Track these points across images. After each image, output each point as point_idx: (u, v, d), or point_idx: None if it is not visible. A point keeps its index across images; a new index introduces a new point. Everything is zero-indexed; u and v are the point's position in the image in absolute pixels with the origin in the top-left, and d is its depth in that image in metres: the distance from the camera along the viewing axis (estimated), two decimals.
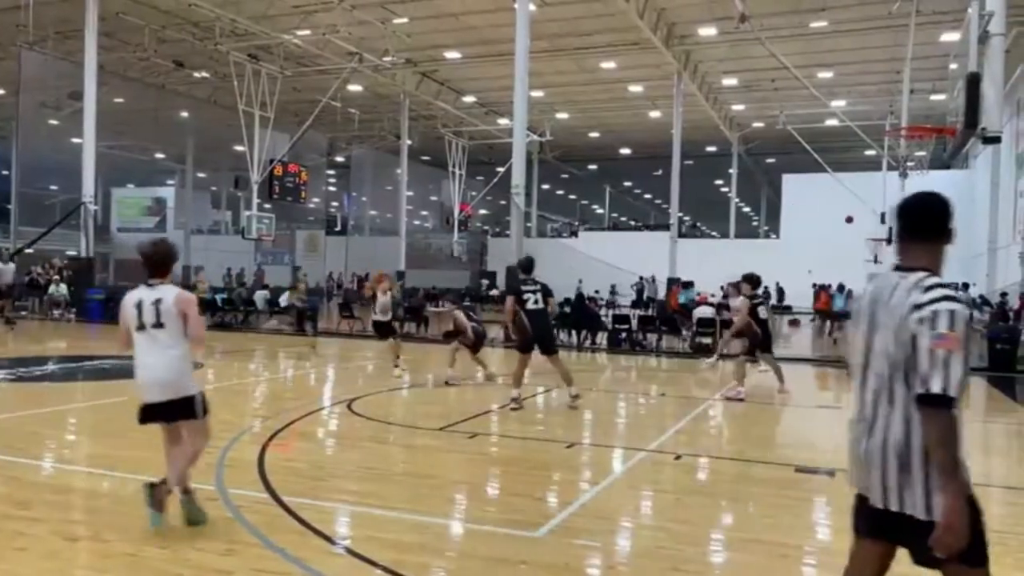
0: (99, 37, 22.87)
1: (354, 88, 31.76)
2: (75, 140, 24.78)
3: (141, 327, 4.55)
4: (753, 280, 10.96)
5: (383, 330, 12.68)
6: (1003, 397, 12.19)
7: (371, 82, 31.34)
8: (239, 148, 27.57)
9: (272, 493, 5.38)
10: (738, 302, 11.02)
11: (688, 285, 21.42)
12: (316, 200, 44.78)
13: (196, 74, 30.06)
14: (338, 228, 49.04)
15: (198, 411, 4.63)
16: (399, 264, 33.32)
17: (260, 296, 23.07)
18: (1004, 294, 21.77)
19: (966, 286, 27.82)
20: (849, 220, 32.58)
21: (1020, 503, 6.09)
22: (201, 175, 47.05)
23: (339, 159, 47.43)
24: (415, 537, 4.69)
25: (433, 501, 5.51)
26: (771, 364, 11.24)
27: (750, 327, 10.69)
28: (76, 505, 5.37)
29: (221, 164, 42.51)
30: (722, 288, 15.01)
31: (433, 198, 46.09)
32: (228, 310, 23.42)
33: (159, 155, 45.06)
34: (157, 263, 4.67)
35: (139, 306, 4.57)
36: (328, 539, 4.57)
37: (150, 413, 4.65)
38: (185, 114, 36.76)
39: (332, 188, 52.49)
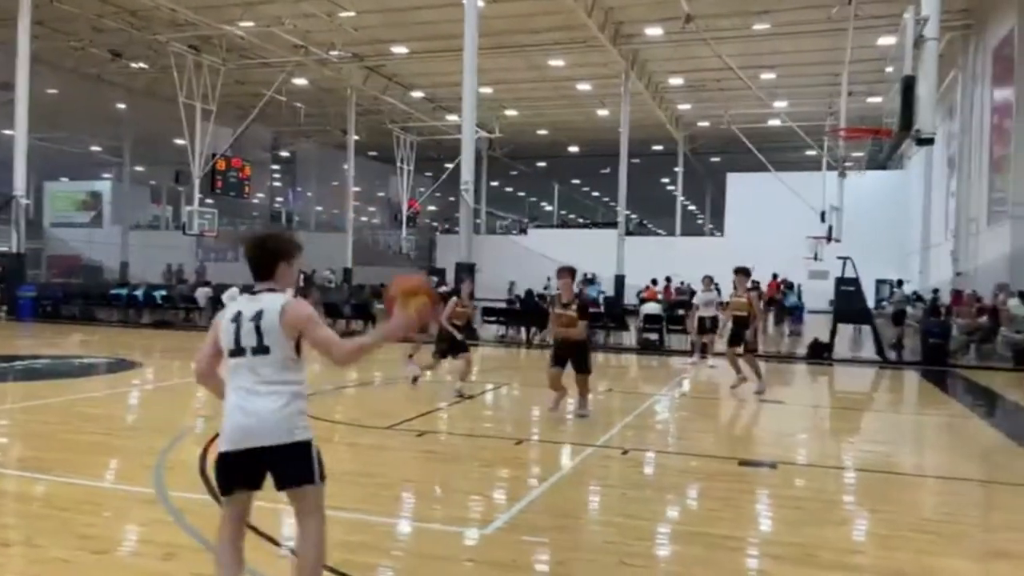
0: (32, 25, 22.02)
1: (299, 82, 31.25)
2: (6, 132, 23.83)
3: (237, 351, 3.19)
4: (749, 274, 10.94)
5: None
6: (935, 390, 12.63)
7: (317, 76, 30.89)
8: (180, 141, 26.90)
9: (214, 495, 5.25)
10: (753, 295, 10.83)
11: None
12: (260, 195, 44.05)
13: (134, 65, 29.19)
14: (283, 224, 48.26)
15: (315, 469, 3.25)
16: (346, 261, 32.94)
17: (202, 293, 22.56)
18: (936, 290, 22.53)
19: (900, 283, 28.71)
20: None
21: (952, 492, 6.31)
22: (139, 169, 45.76)
23: (284, 154, 46.69)
24: (361, 537, 4.63)
25: (380, 500, 5.46)
26: (733, 361, 11.17)
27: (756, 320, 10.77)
28: (7, 509, 5.17)
29: (161, 158, 41.41)
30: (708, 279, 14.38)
31: (381, 194, 45.70)
32: (168, 308, 22.93)
33: (95, 148, 43.66)
34: (258, 260, 3.28)
35: (237, 320, 3.20)
36: (273, 541, 4.48)
37: (235, 468, 3.21)
38: (122, 106, 35.68)
39: (277, 183, 51.62)
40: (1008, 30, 20.16)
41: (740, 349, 10.87)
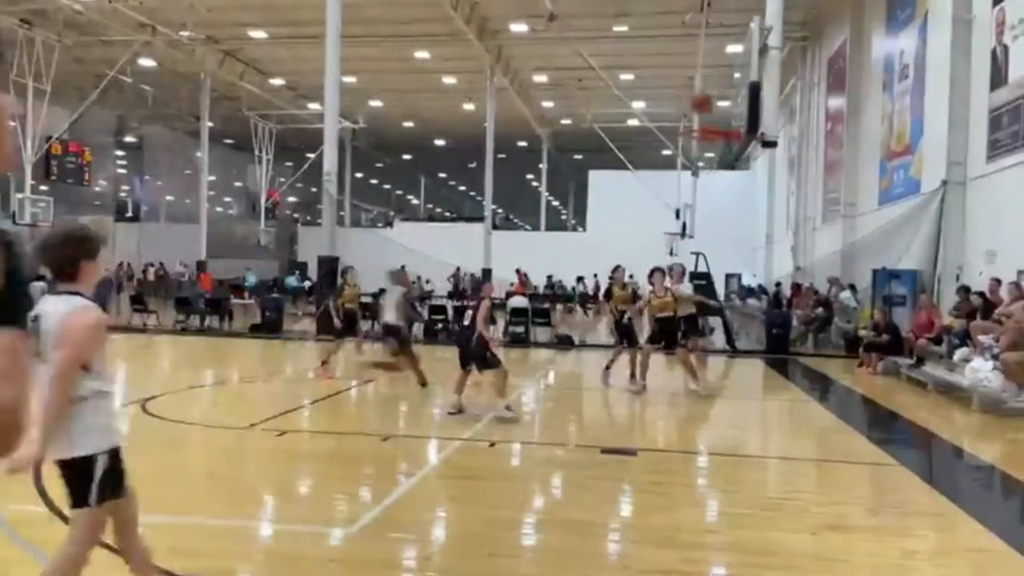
0: None
1: (147, 63, 29.33)
2: None
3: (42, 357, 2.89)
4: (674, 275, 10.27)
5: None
6: (778, 376, 13.54)
7: (167, 58, 29.09)
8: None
9: (52, 507, 4.85)
10: (680, 290, 10.15)
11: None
12: (104, 183, 41.11)
13: None
14: (130, 214, 45.31)
15: (92, 491, 2.91)
16: (200, 253, 31.33)
17: (36, 289, 20.75)
18: (779, 283, 24.11)
19: (739, 276, 30.49)
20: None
21: (793, 471, 6.79)
22: None
23: (131, 139, 43.73)
24: (218, 543, 4.42)
25: (238, 503, 5.23)
26: (687, 362, 10.59)
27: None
28: None
29: None
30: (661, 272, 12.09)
31: (238, 184, 43.74)
32: None
33: None
34: (52, 260, 3.09)
35: (36, 323, 2.93)
36: (119, 552, 4.19)
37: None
38: None
39: (122, 171, 48.29)
40: (840, 43, 21.91)
41: (683, 347, 10.33)
